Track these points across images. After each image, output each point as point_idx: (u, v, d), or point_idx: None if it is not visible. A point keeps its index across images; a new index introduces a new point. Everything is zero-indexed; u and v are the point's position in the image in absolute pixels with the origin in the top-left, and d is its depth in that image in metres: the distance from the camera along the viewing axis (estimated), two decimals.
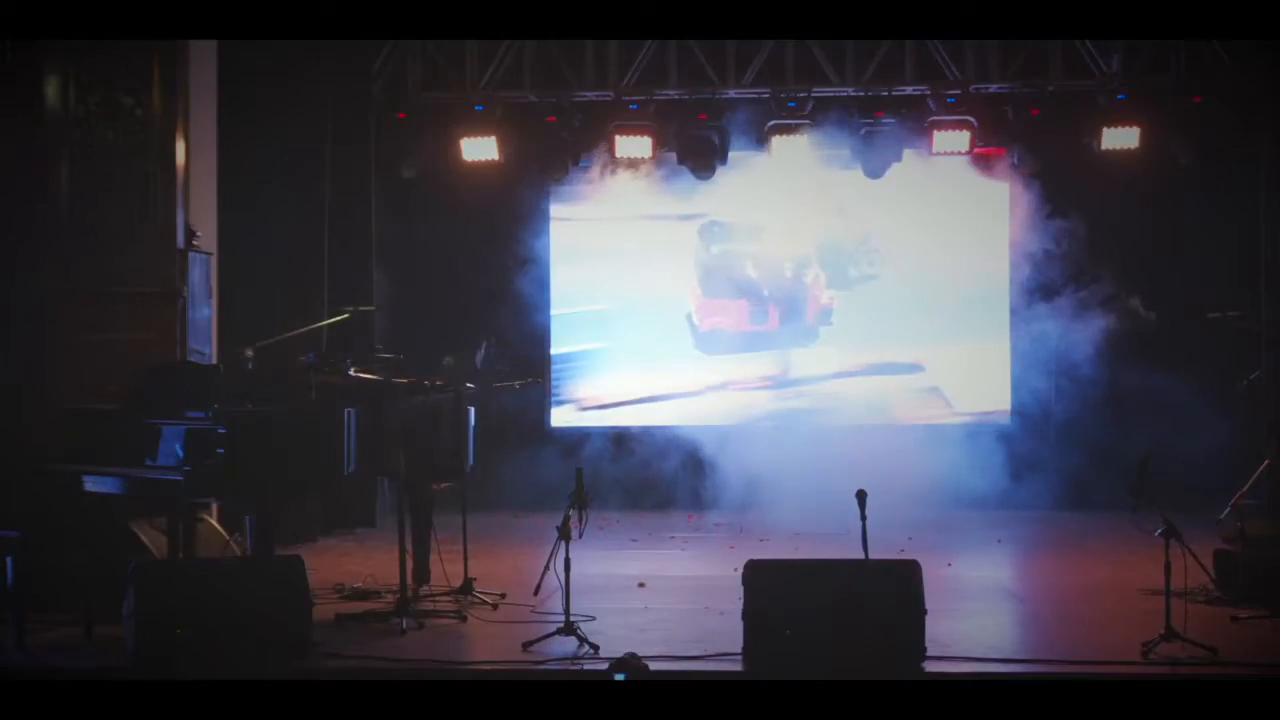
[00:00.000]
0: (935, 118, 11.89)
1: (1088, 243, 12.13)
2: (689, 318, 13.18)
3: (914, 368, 12.83)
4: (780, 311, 13.06)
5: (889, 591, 6.63)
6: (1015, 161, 12.25)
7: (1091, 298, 11.92)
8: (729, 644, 6.79)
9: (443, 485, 8.55)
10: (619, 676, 6.31)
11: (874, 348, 12.91)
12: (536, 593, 7.47)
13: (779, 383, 13.11)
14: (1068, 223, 12.28)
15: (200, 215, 9.52)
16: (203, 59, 9.55)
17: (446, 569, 8.06)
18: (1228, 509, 8.61)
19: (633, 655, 6.46)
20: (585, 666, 6.59)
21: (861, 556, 6.72)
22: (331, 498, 10.62)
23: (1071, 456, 11.68)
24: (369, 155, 12.13)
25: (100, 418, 7.74)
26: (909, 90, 11.98)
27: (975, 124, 11.84)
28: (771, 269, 13.06)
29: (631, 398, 13.18)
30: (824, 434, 12.13)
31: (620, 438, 12.64)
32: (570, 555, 7.04)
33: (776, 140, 12.05)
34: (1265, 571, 7.80)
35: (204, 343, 9.46)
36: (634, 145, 12.13)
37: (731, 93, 12.05)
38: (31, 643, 6.97)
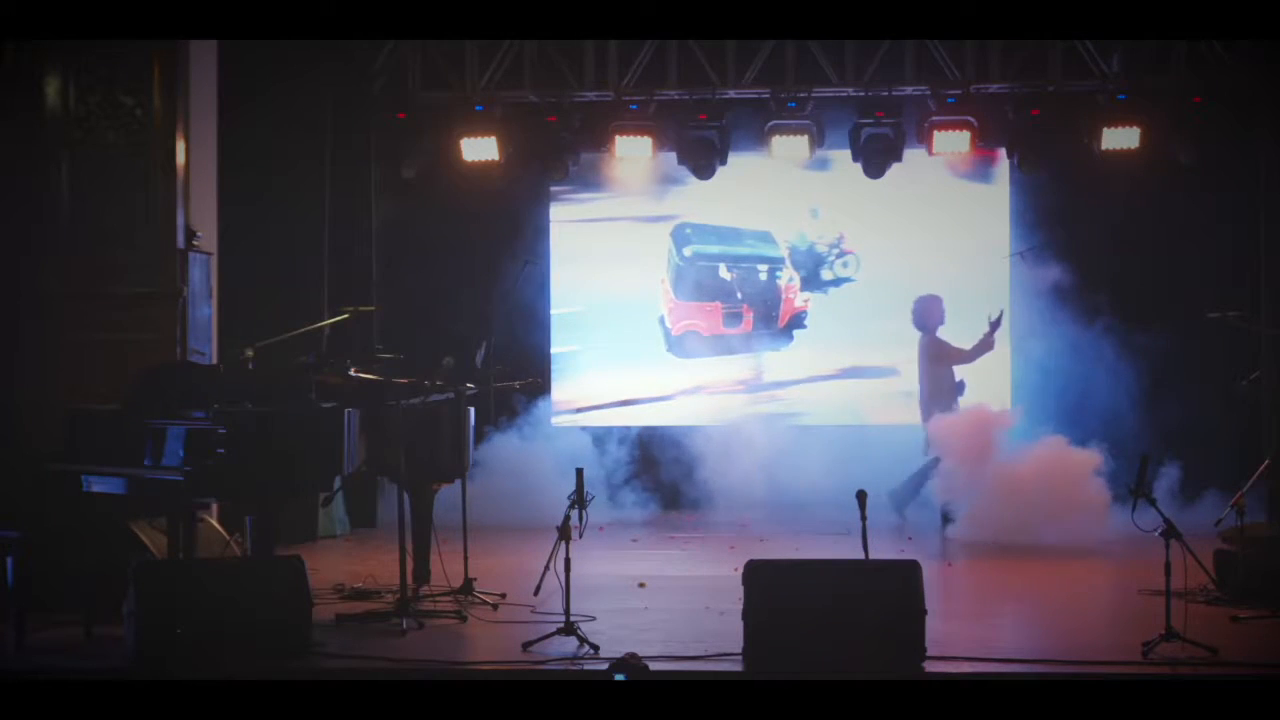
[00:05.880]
0: (935, 118, 11.89)
1: (1088, 243, 12.13)
2: (661, 320, 13.19)
3: (890, 371, 12.81)
4: (754, 314, 13.08)
5: (889, 591, 6.63)
6: (1015, 162, 12.26)
7: (1091, 298, 11.91)
8: (729, 644, 6.79)
9: (442, 485, 8.55)
10: (619, 676, 6.31)
11: (850, 351, 12.93)
12: (536, 593, 7.46)
13: (752, 386, 13.12)
14: (1067, 223, 12.29)
15: (200, 215, 9.52)
16: (203, 59, 9.55)
17: (446, 569, 8.06)
18: (1228, 509, 8.60)
19: (633, 655, 6.45)
20: (585, 666, 6.59)
21: (861, 556, 6.73)
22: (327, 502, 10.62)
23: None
24: (369, 155, 12.14)
25: (100, 418, 7.74)
26: (909, 90, 11.98)
27: (975, 124, 11.84)
28: (745, 271, 13.08)
29: (602, 401, 13.18)
30: (820, 435, 12.18)
31: (620, 439, 12.65)
32: (570, 555, 7.05)
33: (776, 140, 12.07)
34: (1265, 571, 7.80)
35: (204, 343, 9.47)
36: (634, 145, 12.13)
37: (731, 93, 12.05)
38: (31, 643, 6.97)
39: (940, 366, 11.66)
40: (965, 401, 11.73)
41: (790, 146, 12.09)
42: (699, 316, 13.15)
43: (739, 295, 13.14)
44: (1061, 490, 10.46)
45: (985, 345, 11.70)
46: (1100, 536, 10.14)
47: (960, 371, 11.90)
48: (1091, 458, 10.60)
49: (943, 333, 11.91)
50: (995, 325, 11.63)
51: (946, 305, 12.51)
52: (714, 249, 13.17)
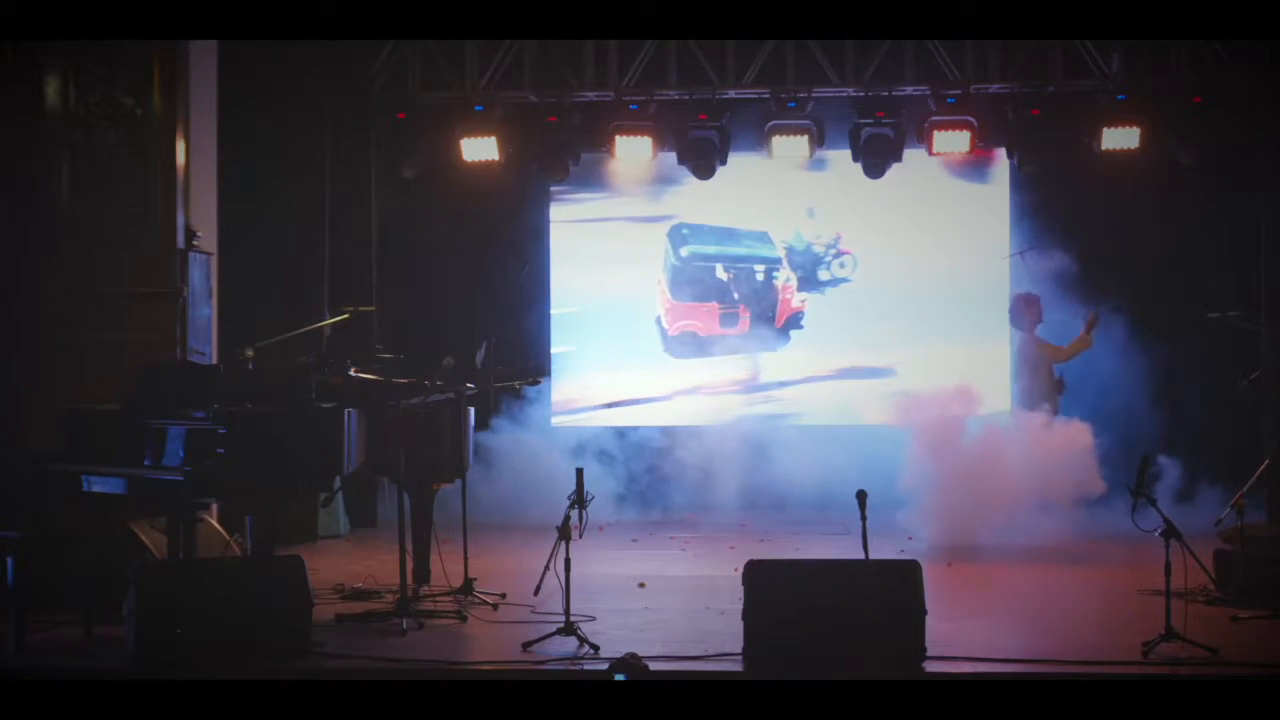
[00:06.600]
0: (935, 118, 11.89)
1: (1088, 243, 12.13)
2: (658, 321, 13.18)
3: (887, 371, 12.79)
4: (751, 315, 13.07)
5: (889, 591, 6.63)
6: (1015, 162, 12.26)
7: (1091, 298, 11.90)
8: (729, 644, 6.79)
9: (442, 485, 8.55)
10: (619, 676, 6.31)
11: (847, 351, 12.94)
12: (536, 593, 7.47)
13: (749, 387, 13.12)
14: (1067, 223, 12.29)
15: (200, 215, 9.52)
16: (203, 59, 9.55)
17: (446, 569, 8.07)
18: (1228, 509, 8.61)
19: (633, 655, 6.45)
20: (585, 666, 6.59)
21: (861, 556, 6.73)
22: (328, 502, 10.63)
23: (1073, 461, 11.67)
24: (369, 155, 12.14)
25: (100, 418, 7.74)
26: (909, 90, 11.97)
27: (975, 124, 11.84)
28: (742, 272, 13.08)
29: (600, 402, 13.19)
30: (818, 435, 12.19)
31: (619, 439, 12.66)
32: (570, 555, 7.05)
33: (776, 140, 12.07)
34: (1265, 571, 7.81)
35: (204, 343, 9.47)
36: (634, 145, 12.13)
37: (731, 93, 12.05)
38: (31, 643, 6.98)
39: (1037, 365, 11.57)
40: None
41: (790, 146, 12.09)
42: (696, 317, 13.17)
43: (736, 295, 13.14)
44: (1050, 462, 10.38)
45: (1083, 344, 11.58)
46: (1094, 517, 10.17)
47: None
48: (1080, 432, 10.56)
49: (1041, 330, 11.80)
50: (1092, 324, 11.52)
51: (945, 305, 12.53)
52: (711, 249, 13.18)
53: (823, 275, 13.07)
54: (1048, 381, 11.52)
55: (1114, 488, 10.19)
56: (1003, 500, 10.28)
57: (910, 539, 10.21)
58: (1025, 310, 11.63)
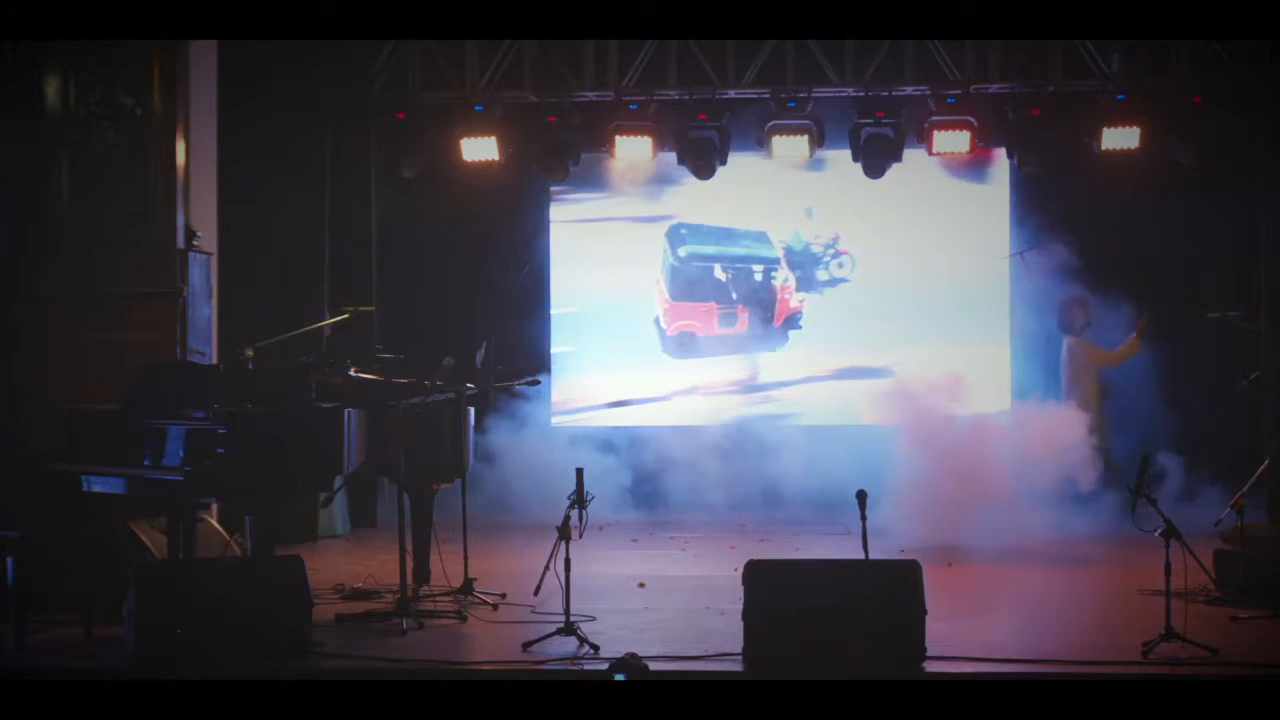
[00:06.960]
0: (935, 118, 11.89)
1: (1088, 243, 12.13)
2: (656, 321, 13.19)
3: (885, 372, 12.77)
4: (750, 315, 13.08)
5: (889, 591, 6.63)
6: (1015, 162, 12.26)
7: (1091, 298, 11.90)
8: (729, 644, 6.79)
9: (442, 485, 8.55)
10: (619, 676, 6.31)
11: (845, 351, 12.95)
12: (536, 593, 7.47)
13: (748, 387, 13.13)
14: (1067, 223, 12.29)
15: (200, 215, 9.52)
16: (203, 59, 9.54)
17: (446, 569, 8.07)
18: (1228, 509, 8.61)
19: (633, 655, 6.46)
20: (585, 666, 6.59)
21: (861, 556, 6.73)
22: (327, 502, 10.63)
23: (1071, 456, 11.67)
24: (369, 155, 12.15)
25: (100, 418, 7.75)
26: (909, 90, 11.97)
27: (975, 124, 11.84)
28: (740, 272, 13.08)
29: (599, 402, 13.19)
30: (816, 435, 12.19)
31: (618, 439, 12.65)
32: (570, 555, 7.05)
33: (776, 140, 12.06)
34: (1265, 571, 7.81)
35: (204, 343, 9.47)
36: (634, 145, 12.13)
37: (731, 93, 12.05)
38: (31, 643, 6.98)
39: (1083, 369, 11.57)
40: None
41: (790, 146, 12.08)
42: (694, 317, 13.17)
43: (734, 296, 13.14)
44: (1042, 454, 10.35)
45: (1131, 349, 11.60)
46: (1094, 517, 10.15)
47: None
48: (1076, 422, 10.55)
49: (1091, 335, 11.76)
50: (1142, 330, 11.53)
51: (945, 305, 12.52)
52: (709, 249, 13.18)
53: (821, 275, 13.08)
54: (1093, 385, 11.55)
55: (1113, 487, 10.20)
56: (986, 498, 10.24)
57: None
58: (1074, 313, 11.66)
